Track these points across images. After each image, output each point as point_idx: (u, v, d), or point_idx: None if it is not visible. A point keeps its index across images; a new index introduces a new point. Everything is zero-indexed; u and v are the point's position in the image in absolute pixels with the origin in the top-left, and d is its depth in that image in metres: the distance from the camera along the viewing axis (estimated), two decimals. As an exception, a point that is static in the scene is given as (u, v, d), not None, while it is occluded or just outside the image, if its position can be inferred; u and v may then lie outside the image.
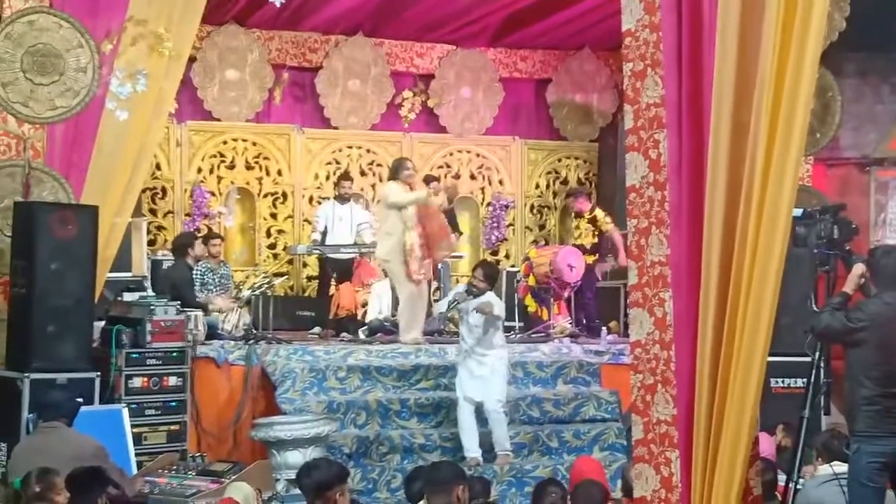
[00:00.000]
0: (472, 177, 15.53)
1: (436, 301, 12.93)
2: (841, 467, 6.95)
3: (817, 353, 6.80)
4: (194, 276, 12.40)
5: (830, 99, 9.99)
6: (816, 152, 10.70)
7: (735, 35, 5.66)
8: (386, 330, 12.84)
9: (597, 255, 13.53)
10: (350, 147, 15.18)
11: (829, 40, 8.79)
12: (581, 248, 13.51)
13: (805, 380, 6.87)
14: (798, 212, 6.74)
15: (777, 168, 5.43)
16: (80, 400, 8.39)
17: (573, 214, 14.35)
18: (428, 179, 13.66)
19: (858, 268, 6.78)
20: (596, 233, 13.58)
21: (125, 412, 9.47)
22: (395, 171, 12.46)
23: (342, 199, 13.50)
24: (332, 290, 13.22)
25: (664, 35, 6.15)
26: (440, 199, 13.05)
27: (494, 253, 15.57)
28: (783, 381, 8.67)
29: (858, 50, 12.32)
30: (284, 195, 14.84)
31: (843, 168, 13.85)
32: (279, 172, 14.82)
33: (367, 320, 12.99)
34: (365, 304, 13.23)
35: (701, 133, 5.87)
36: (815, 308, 7.01)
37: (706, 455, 5.67)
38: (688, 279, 5.86)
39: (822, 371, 6.81)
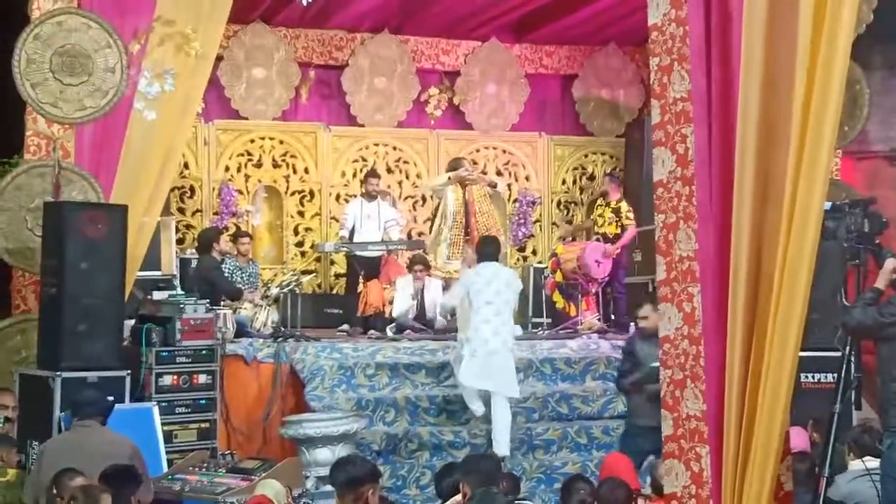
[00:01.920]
0: (499, 173, 15.50)
1: None
2: (873, 462, 6.92)
3: (848, 348, 6.76)
4: (223, 272, 12.48)
5: (858, 91, 9.93)
6: (845, 145, 10.65)
7: (762, 28, 5.66)
8: (413, 327, 12.87)
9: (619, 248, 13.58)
10: (377, 144, 15.19)
11: (857, 32, 8.75)
12: (603, 236, 13.54)
13: (835, 374, 6.84)
14: (827, 205, 6.71)
15: (809, 162, 5.42)
16: (111, 398, 8.43)
17: (599, 197, 14.40)
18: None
19: (891, 263, 6.74)
20: (619, 224, 13.61)
21: (155, 410, 9.52)
22: (450, 168, 13.05)
23: (369, 196, 13.54)
24: (360, 287, 13.26)
25: (690, 28, 6.14)
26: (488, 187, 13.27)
27: (521, 249, 15.57)
28: (813, 376, 8.62)
29: (886, 42, 12.24)
30: (311, 193, 14.86)
31: (872, 161, 13.75)
32: (306, 170, 14.85)
33: (394, 315, 13.01)
34: (391, 302, 13.27)
35: (729, 127, 5.86)
36: (845, 302, 6.96)
37: (737, 450, 5.67)
38: (716, 274, 5.85)
39: (852, 366, 6.78)
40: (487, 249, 11.18)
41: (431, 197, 13.87)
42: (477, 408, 10.73)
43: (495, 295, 10.67)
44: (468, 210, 12.71)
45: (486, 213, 12.84)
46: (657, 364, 8.62)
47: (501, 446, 10.46)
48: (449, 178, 12.90)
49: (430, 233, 13.67)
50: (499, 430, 10.50)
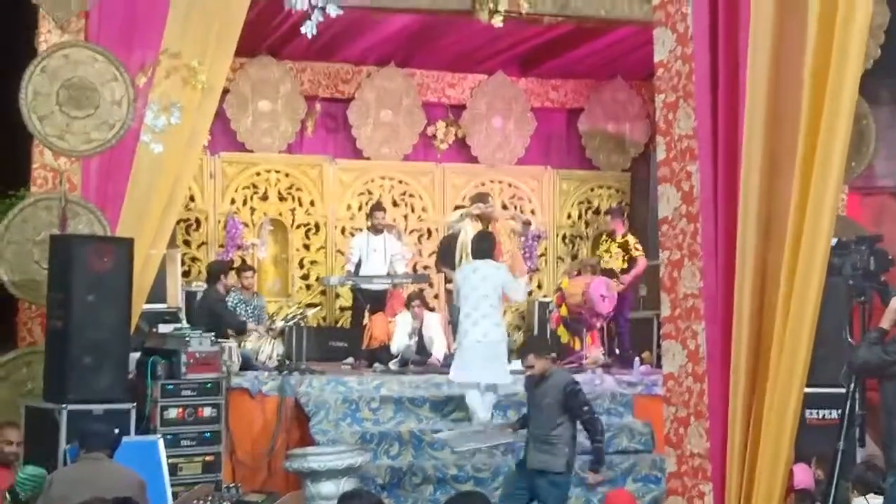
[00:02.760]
0: (504, 207, 15.47)
1: None
2: (876, 500, 6.90)
3: (852, 385, 6.76)
4: (227, 305, 12.50)
5: (865, 127, 9.97)
6: (851, 181, 10.65)
7: (767, 64, 5.66)
8: (416, 360, 12.86)
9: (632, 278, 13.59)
10: (382, 178, 15.22)
11: (864, 67, 8.78)
12: (610, 272, 13.53)
13: (840, 411, 6.83)
14: (833, 241, 6.70)
15: (814, 198, 5.41)
16: (117, 430, 8.41)
17: (604, 234, 14.38)
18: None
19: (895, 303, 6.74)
20: (626, 258, 13.61)
21: (160, 443, 9.50)
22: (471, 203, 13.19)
23: (375, 229, 13.55)
24: (365, 320, 13.25)
25: (696, 66, 6.16)
26: (517, 225, 13.30)
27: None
28: (817, 412, 8.60)
29: (893, 77, 12.26)
30: (317, 226, 14.88)
31: (878, 197, 13.74)
32: (312, 203, 14.87)
33: (392, 351, 12.97)
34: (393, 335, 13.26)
35: (734, 164, 5.86)
36: (849, 339, 6.97)
37: (740, 488, 5.65)
38: (721, 311, 5.84)
39: (857, 402, 6.77)
40: (477, 247, 11.59)
41: (448, 230, 13.83)
42: (479, 409, 11.03)
43: (471, 290, 11.07)
44: None
45: (508, 252, 12.85)
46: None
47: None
48: (461, 214, 12.99)
49: (447, 265, 13.59)
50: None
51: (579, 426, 9.18)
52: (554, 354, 10.67)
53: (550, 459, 9.00)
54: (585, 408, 9.20)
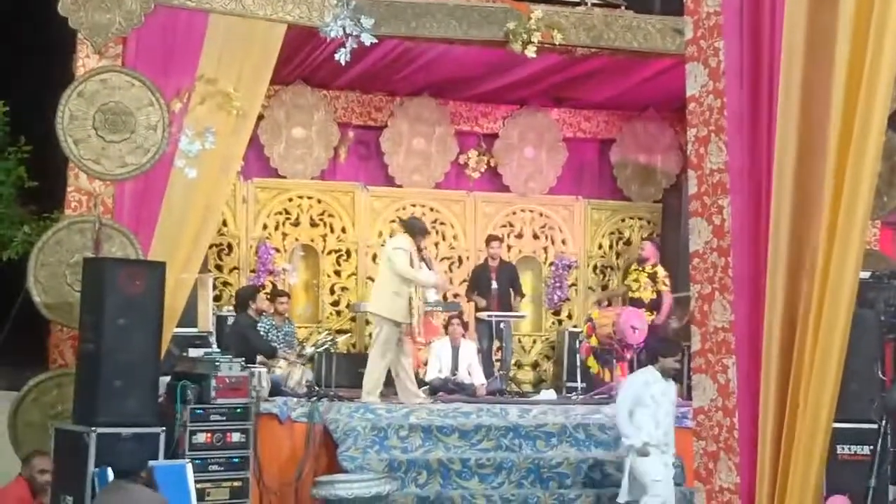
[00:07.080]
0: (535, 236, 15.55)
1: None
2: (907, 538, 6.85)
3: (884, 421, 6.70)
4: (259, 331, 12.53)
5: (896, 162, 9.89)
6: (884, 216, 10.60)
7: (798, 98, 5.67)
8: (448, 389, 12.85)
9: (655, 312, 13.53)
10: (414, 205, 15.24)
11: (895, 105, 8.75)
12: (638, 301, 13.49)
13: (871, 447, 6.77)
14: (867, 274, 6.66)
15: (842, 232, 5.40)
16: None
17: (635, 263, 14.30)
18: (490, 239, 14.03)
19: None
20: (654, 289, 13.57)
21: (189, 468, 9.51)
22: None
23: (405, 256, 13.56)
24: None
25: (728, 101, 6.17)
26: None
27: (556, 313, 15.54)
28: (849, 448, 8.53)
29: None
30: (348, 252, 14.93)
31: (912, 232, 13.64)
32: (343, 230, 14.92)
33: (426, 379, 12.99)
34: (426, 363, 13.26)
35: (765, 198, 5.86)
36: (881, 375, 6.92)
37: (769, 523, 5.63)
38: (751, 345, 5.84)
39: (889, 439, 6.71)
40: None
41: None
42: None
43: None
44: None
45: None
46: None
47: None
48: None
49: (478, 294, 13.69)
50: None
51: None
52: None
53: None
54: None
